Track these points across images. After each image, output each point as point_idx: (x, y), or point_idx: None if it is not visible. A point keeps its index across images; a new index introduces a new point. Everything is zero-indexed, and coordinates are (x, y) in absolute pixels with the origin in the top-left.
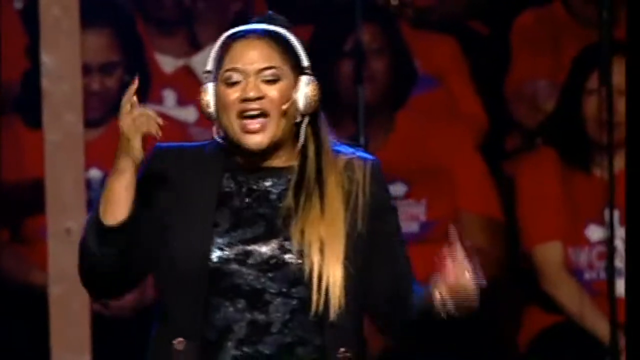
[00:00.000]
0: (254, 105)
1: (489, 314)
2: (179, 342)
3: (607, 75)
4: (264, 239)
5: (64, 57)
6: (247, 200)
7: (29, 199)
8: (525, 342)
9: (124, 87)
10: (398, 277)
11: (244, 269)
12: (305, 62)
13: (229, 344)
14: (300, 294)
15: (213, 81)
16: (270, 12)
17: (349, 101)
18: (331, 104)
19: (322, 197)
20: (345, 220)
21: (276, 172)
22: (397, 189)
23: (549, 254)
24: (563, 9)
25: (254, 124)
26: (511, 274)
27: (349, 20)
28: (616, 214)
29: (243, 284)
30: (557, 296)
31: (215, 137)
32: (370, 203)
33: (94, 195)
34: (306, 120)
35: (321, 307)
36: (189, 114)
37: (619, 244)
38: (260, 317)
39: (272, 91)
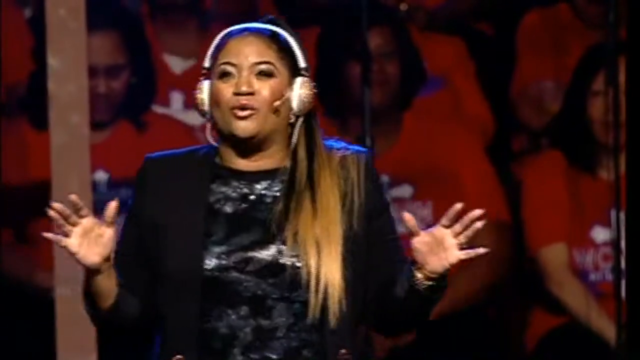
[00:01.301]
0: (245, 100)
1: (495, 315)
2: None
3: (614, 76)
4: (261, 244)
5: (70, 59)
6: (242, 205)
7: (35, 200)
8: (531, 343)
9: (130, 89)
10: (392, 278)
11: (243, 276)
12: (302, 63)
13: (235, 350)
14: (302, 297)
15: (209, 78)
16: (271, 15)
17: (359, 102)
18: (341, 105)
19: (314, 199)
20: (341, 222)
21: (269, 174)
22: (404, 190)
23: (555, 256)
24: (568, 10)
25: (244, 112)
26: (517, 276)
27: (359, 23)
28: (622, 215)
29: (244, 291)
30: (563, 297)
31: (209, 138)
32: (366, 202)
33: (99, 198)
34: (300, 121)
35: (319, 311)
36: (196, 118)
37: (624, 245)
38: (265, 322)
39: (265, 88)
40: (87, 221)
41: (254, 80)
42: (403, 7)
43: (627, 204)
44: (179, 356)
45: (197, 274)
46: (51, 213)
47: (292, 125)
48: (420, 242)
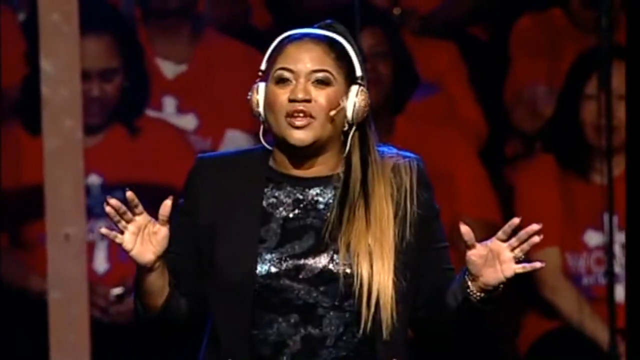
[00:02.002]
0: (301, 107)
1: (488, 320)
2: None
3: (606, 80)
4: (314, 252)
5: (63, 62)
6: (295, 211)
7: (29, 204)
8: (524, 347)
9: (123, 93)
10: (441, 286)
11: (295, 284)
12: (358, 71)
13: (284, 358)
14: (353, 307)
15: (264, 81)
16: (330, 20)
17: None
18: None
19: (367, 208)
20: (394, 232)
21: (322, 180)
22: None
23: (547, 260)
24: (562, 15)
25: (300, 120)
26: (510, 280)
27: (351, 24)
28: (615, 219)
29: (295, 299)
30: (556, 301)
31: (262, 141)
32: (417, 210)
33: (92, 202)
34: (353, 129)
35: (370, 323)
36: (188, 122)
37: (617, 249)
38: (314, 331)
39: (321, 96)
40: (142, 219)
41: (311, 88)
42: (396, 11)
43: (627, 207)
44: None
45: (249, 280)
46: (107, 209)
47: (346, 133)
48: (476, 254)
